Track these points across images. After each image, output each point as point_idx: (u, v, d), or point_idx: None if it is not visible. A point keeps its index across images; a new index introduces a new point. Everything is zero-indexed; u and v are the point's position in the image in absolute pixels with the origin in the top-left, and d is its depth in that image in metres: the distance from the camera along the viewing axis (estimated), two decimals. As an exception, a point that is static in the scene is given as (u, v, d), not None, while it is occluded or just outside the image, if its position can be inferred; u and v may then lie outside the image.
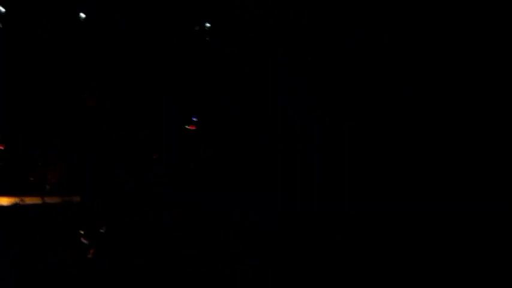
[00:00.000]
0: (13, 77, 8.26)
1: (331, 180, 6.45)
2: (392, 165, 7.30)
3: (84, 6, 8.64)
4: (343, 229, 5.80)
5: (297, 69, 8.89)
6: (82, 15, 7.69)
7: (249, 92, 7.52)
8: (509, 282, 4.58)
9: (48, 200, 6.49)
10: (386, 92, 8.56)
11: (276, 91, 7.83)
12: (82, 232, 5.60)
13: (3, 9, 7.58)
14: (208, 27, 8.63)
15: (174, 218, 6.12)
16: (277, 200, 6.85)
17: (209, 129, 7.25)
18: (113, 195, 6.28)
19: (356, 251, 5.39)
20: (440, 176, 7.16)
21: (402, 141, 7.89)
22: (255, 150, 6.61)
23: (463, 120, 8.37)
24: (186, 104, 7.53)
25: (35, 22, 8.69)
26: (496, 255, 5.08)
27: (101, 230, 5.69)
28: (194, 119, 8.26)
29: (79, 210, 6.03)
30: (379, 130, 7.57)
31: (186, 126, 8.23)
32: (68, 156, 6.89)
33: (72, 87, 8.59)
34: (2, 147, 6.33)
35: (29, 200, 6.44)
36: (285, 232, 5.93)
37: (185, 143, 7.00)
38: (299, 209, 6.64)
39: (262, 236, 5.76)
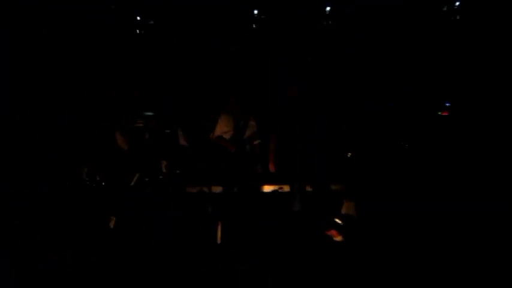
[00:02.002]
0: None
1: (331, 180, 6.44)
2: (392, 164, 7.29)
3: (83, 6, 8.66)
4: (343, 229, 5.80)
5: (297, 69, 8.89)
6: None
7: (249, 91, 7.50)
8: (509, 282, 4.58)
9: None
10: (386, 92, 8.56)
11: (276, 91, 7.82)
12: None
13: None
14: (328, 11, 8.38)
15: (174, 218, 6.13)
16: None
17: (209, 129, 7.20)
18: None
19: (356, 251, 5.39)
20: (441, 176, 7.16)
21: (401, 141, 7.88)
22: (254, 150, 6.58)
23: (462, 120, 8.37)
24: (186, 104, 7.51)
25: (37, 21, 8.71)
26: (496, 255, 5.08)
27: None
28: (447, 104, 7.93)
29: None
30: (379, 130, 7.56)
31: (439, 113, 8.01)
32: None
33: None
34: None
35: (287, 188, 6.94)
36: (285, 232, 5.94)
37: (183, 144, 6.95)
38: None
39: (262, 236, 5.76)
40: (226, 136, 6.30)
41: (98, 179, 6.93)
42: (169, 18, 9.05)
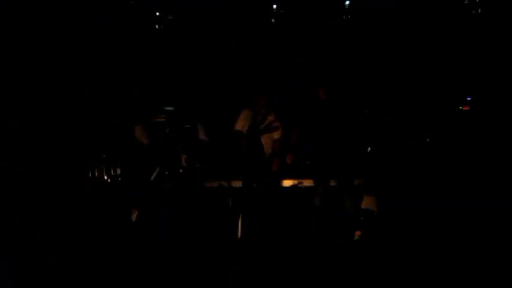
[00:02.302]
0: None
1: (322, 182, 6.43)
2: (392, 165, 7.30)
3: (83, 6, 8.66)
4: (343, 229, 5.80)
5: (296, 69, 8.89)
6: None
7: (248, 91, 7.51)
8: (509, 282, 4.58)
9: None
10: (384, 92, 8.56)
11: (275, 91, 7.82)
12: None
13: None
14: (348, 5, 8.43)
15: (170, 218, 6.14)
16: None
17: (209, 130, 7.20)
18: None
19: (353, 251, 5.39)
20: (438, 176, 7.16)
21: (401, 141, 7.88)
22: (256, 153, 6.59)
23: (461, 119, 8.37)
24: (185, 104, 7.49)
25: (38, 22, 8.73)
26: (496, 255, 5.08)
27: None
28: (468, 99, 7.96)
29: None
30: (379, 130, 7.56)
31: (460, 107, 8.03)
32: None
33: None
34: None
35: (307, 183, 7.06)
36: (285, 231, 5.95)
37: (203, 138, 6.95)
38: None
39: (260, 235, 5.77)
40: (244, 131, 6.41)
41: (114, 174, 6.98)
42: (170, 18, 9.06)
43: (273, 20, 8.85)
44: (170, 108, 7.15)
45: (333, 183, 6.13)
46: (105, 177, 7.23)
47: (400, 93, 8.49)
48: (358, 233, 5.62)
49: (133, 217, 6.18)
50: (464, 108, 8.42)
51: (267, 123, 6.42)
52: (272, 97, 6.84)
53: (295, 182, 7.42)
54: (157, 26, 8.93)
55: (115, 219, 6.21)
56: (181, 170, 6.48)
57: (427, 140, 7.75)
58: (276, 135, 6.49)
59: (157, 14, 8.88)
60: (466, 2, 8.52)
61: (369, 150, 6.69)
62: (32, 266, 4.88)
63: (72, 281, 4.69)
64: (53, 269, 4.86)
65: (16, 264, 4.91)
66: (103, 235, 5.82)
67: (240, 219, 5.78)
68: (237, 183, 6.65)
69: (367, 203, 5.87)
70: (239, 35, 9.08)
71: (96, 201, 6.71)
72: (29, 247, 5.39)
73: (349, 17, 8.67)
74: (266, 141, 6.46)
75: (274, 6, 8.79)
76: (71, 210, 6.50)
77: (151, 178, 6.41)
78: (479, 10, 8.40)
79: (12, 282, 4.58)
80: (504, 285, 4.50)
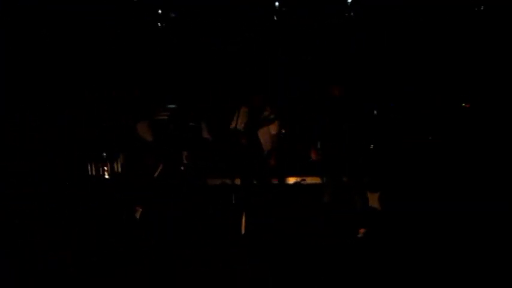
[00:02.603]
0: None
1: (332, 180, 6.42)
2: (392, 165, 7.29)
3: (83, 6, 8.67)
4: (349, 227, 5.80)
5: (297, 69, 8.88)
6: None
7: (248, 92, 7.51)
8: (509, 282, 4.58)
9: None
10: (386, 92, 8.55)
11: (276, 91, 7.83)
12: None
13: None
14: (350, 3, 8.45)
15: (175, 217, 6.14)
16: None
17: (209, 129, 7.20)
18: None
19: (353, 251, 5.39)
20: (438, 175, 7.16)
21: (402, 141, 7.87)
22: (254, 150, 6.59)
23: (462, 119, 8.37)
24: (186, 104, 7.50)
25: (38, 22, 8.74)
26: (496, 255, 5.08)
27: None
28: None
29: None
30: (380, 130, 7.55)
31: (463, 105, 8.08)
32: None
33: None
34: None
35: (310, 180, 7.20)
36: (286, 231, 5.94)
37: (206, 137, 6.95)
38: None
39: (262, 235, 5.76)
40: (242, 128, 6.43)
41: (116, 174, 6.99)
42: (174, 16, 9.08)
43: (275, 18, 8.86)
44: (173, 106, 7.15)
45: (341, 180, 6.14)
46: (107, 176, 7.23)
47: (406, 92, 8.51)
48: (362, 230, 5.63)
49: (137, 215, 6.18)
50: (467, 106, 8.47)
51: (263, 117, 6.42)
52: (275, 96, 6.85)
53: (298, 179, 7.44)
54: (159, 25, 8.95)
55: (115, 219, 6.21)
56: (182, 168, 6.48)
57: (430, 138, 7.78)
58: (273, 130, 6.48)
59: (160, 12, 8.88)
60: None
61: (372, 148, 6.70)
62: (32, 266, 4.88)
63: (72, 281, 4.69)
64: (53, 269, 4.86)
65: (16, 264, 4.91)
66: (103, 235, 5.82)
67: (243, 217, 5.78)
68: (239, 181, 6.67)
69: (371, 200, 5.90)
70: (243, 35, 9.10)
71: (96, 201, 6.70)
72: (29, 247, 5.38)
73: (354, 15, 8.69)
74: (264, 138, 6.46)
75: (277, 3, 8.80)
76: (71, 210, 6.49)
77: (155, 176, 6.41)
78: (482, 7, 8.42)
79: (12, 282, 4.58)
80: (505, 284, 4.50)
